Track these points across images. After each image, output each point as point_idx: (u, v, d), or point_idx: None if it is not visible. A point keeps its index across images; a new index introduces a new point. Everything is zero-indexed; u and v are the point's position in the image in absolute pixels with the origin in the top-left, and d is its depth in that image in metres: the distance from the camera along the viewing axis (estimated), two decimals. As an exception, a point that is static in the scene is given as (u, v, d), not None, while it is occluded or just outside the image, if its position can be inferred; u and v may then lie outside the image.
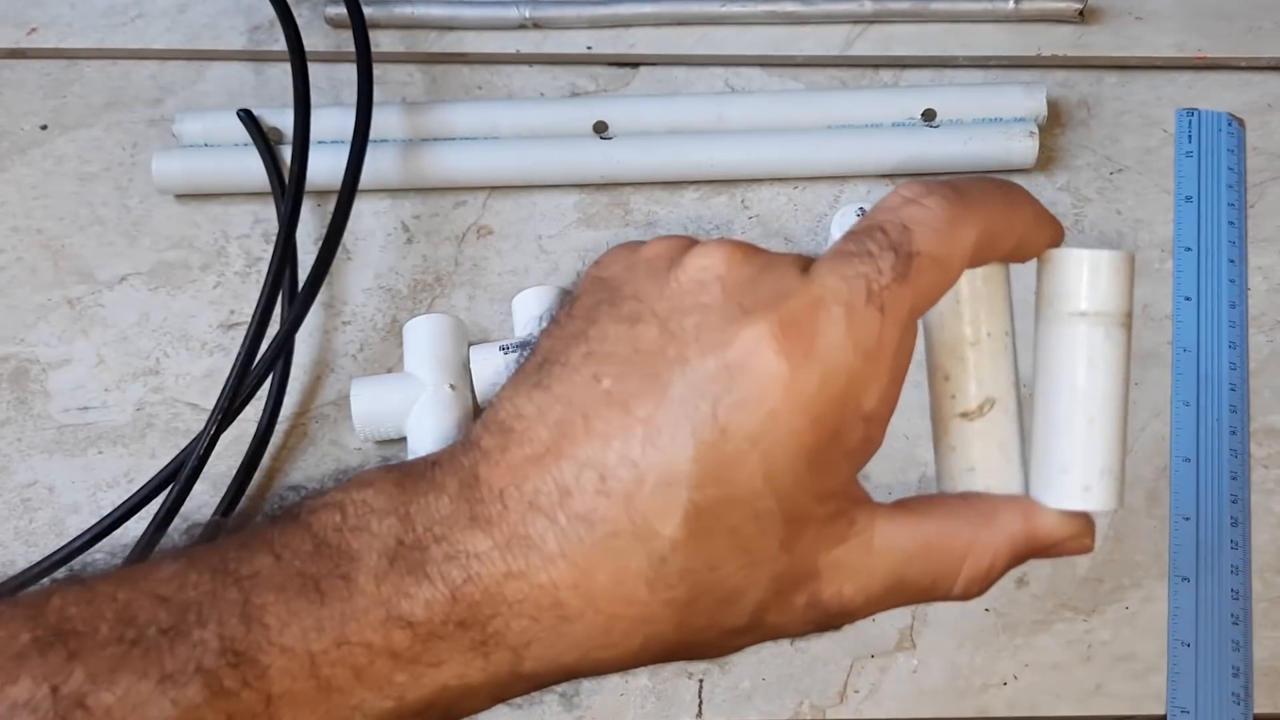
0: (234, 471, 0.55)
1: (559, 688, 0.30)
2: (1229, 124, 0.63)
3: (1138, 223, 0.61)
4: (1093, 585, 0.53)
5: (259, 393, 0.56)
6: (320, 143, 0.61)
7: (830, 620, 0.31)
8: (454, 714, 0.29)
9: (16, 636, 0.27)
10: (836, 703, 0.51)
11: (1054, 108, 0.64)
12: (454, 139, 0.64)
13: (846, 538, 0.30)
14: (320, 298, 0.59)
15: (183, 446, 0.55)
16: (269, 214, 0.63)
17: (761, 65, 0.67)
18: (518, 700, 0.30)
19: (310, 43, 0.63)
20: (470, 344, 0.57)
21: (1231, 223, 0.60)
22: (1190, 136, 0.63)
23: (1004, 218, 0.30)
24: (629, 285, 0.30)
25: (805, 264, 0.29)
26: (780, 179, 0.63)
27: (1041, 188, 0.62)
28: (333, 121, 0.62)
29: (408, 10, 0.67)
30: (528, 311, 0.58)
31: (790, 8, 0.67)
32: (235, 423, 0.55)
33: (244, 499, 0.55)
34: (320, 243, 0.57)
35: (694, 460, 0.27)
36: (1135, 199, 0.62)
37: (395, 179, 0.63)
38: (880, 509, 0.31)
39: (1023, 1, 0.65)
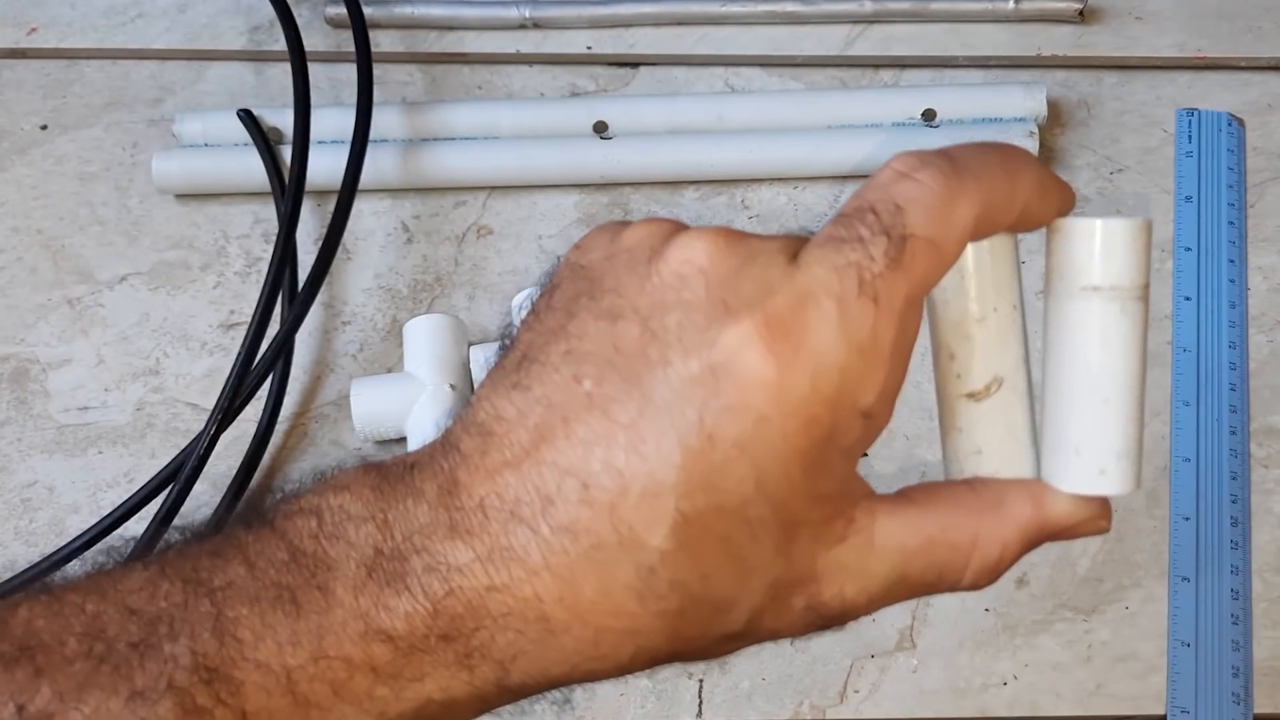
0: (234, 471, 0.55)
1: (556, 692, 0.29)
2: (1229, 124, 0.63)
3: (1138, 223, 0.61)
4: (1093, 585, 0.53)
5: (259, 393, 0.56)
6: (320, 143, 0.61)
7: (832, 620, 0.29)
8: None
9: None
10: (836, 703, 0.51)
11: (1054, 108, 0.64)
12: (454, 139, 0.64)
13: (845, 537, 0.28)
14: (320, 298, 0.59)
15: (183, 446, 0.55)
16: (269, 214, 0.63)
17: (761, 65, 0.67)
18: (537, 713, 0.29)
19: (310, 43, 0.63)
20: (470, 344, 0.57)
21: (1231, 223, 0.60)
22: (1190, 136, 0.63)
23: (1005, 188, 0.29)
24: (609, 277, 0.28)
25: (794, 249, 0.28)
26: (780, 179, 0.63)
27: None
28: (333, 121, 0.62)
29: (408, 10, 0.67)
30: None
31: (790, 8, 0.67)
32: (235, 423, 0.55)
33: (244, 499, 0.55)
34: (320, 243, 0.57)
35: (681, 468, 0.26)
36: (1135, 199, 0.62)
37: (395, 179, 0.63)
38: (880, 503, 0.29)
39: (1023, 1, 0.65)
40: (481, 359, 0.56)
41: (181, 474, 0.53)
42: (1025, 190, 0.29)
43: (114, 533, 0.53)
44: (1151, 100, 0.65)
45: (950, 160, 0.28)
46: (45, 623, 0.26)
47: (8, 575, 0.52)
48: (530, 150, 0.63)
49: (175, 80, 0.68)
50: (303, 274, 0.58)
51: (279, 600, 0.27)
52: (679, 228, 0.29)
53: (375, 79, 0.62)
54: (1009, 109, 0.62)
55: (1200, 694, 0.50)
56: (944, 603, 0.52)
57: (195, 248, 0.63)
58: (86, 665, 0.26)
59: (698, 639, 0.28)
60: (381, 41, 0.67)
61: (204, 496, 0.54)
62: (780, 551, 0.27)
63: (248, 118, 0.63)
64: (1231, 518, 0.53)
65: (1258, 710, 0.50)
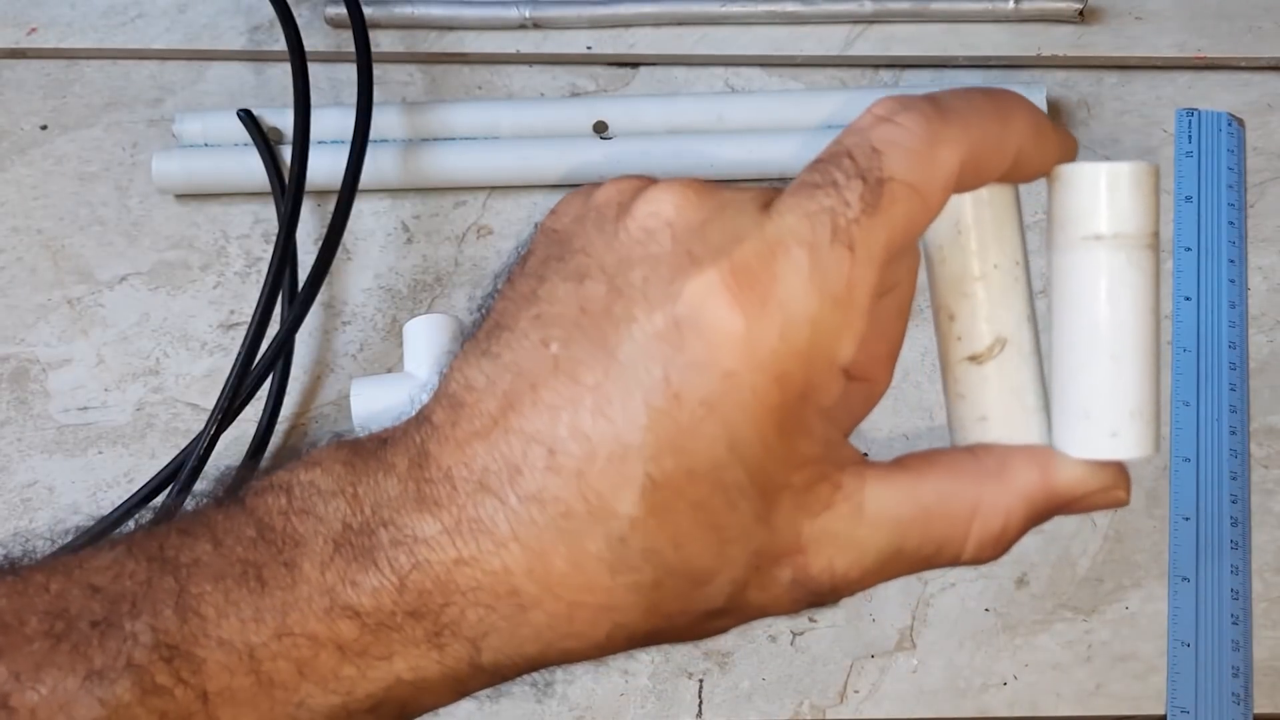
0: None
1: (537, 675, 0.28)
2: (1229, 124, 0.63)
3: (1138, 223, 0.61)
4: (1093, 585, 0.53)
5: (259, 393, 0.56)
6: (320, 143, 0.61)
7: (823, 597, 0.28)
8: (411, 711, 0.27)
9: None
10: (836, 703, 0.51)
11: (1054, 108, 0.64)
12: (454, 139, 0.64)
13: (832, 504, 0.27)
14: (320, 298, 0.59)
15: (183, 446, 0.55)
16: (269, 214, 0.63)
17: (761, 65, 0.67)
18: (517, 696, 0.29)
19: (310, 43, 0.63)
20: (470, 344, 0.57)
21: (1231, 223, 0.60)
22: (1190, 136, 0.63)
23: (995, 133, 0.27)
24: (578, 238, 0.27)
25: (768, 199, 0.26)
26: (780, 179, 0.63)
27: (1042, 187, 0.62)
28: (333, 121, 0.62)
29: (408, 10, 0.67)
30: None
31: (790, 8, 0.67)
32: (235, 423, 0.55)
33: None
34: (320, 243, 0.57)
35: (647, 429, 0.25)
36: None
37: (395, 179, 0.63)
38: (871, 470, 0.27)
39: (1023, 1, 0.65)
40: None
41: (181, 474, 0.53)
42: (1018, 135, 0.27)
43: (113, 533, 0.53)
44: (1151, 100, 0.65)
45: (934, 103, 0.27)
46: (8, 602, 0.26)
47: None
48: (530, 150, 0.63)
49: (175, 80, 0.68)
50: (303, 274, 0.58)
51: (244, 577, 0.26)
52: (649, 182, 0.28)
53: (375, 79, 0.62)
54: (1009, 109, 0.62)
55: (1200, 694, 0.50)
56: (944, 603, 0.52)
57: (195, 248, 0.63)
58: (45, 644, 0.25)
59: (678, 615, 0.27)
60: (381, 41, 0.67)
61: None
62: (760, 519, 0.26)
63: (248, 118, 0.63)
64: (1231, 518, 0.53)
65: (1258, 710, 0.50)
